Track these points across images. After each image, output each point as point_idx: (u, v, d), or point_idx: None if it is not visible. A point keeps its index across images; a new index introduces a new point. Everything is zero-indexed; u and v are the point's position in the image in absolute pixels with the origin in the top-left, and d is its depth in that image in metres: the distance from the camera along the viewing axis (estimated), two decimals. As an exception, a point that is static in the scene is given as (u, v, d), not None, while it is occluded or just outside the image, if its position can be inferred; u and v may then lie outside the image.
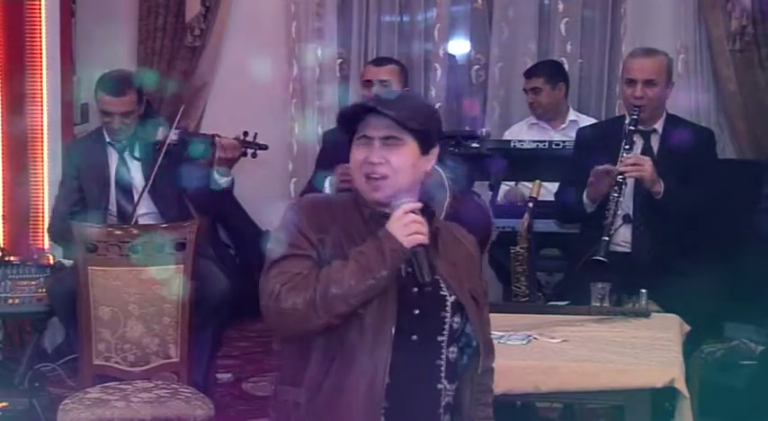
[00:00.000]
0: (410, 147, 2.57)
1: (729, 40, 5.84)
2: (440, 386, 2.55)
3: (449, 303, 2.56)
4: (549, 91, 5.59)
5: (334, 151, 4.79)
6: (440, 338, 2.55)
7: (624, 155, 4.25)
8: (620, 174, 4.19)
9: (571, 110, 5.72)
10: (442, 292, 2.57)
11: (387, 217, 2.54)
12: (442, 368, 2.55)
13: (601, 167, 4.21)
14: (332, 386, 2.49)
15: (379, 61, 5.07)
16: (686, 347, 3.60)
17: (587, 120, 5.55)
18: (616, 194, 4.19)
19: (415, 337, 2.52)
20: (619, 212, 4.23)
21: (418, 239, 2.48)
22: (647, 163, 4.22)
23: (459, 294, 2.58)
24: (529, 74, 5.70)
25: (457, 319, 2.57)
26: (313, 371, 2.51)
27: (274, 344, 2.68)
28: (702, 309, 4.06)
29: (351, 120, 2.61)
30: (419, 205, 2.53)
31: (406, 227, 2.47)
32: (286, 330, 2.52)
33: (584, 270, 4.05)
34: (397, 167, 2.55)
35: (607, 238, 4.13)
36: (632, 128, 4.32)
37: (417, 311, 2.53)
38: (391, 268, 2.46)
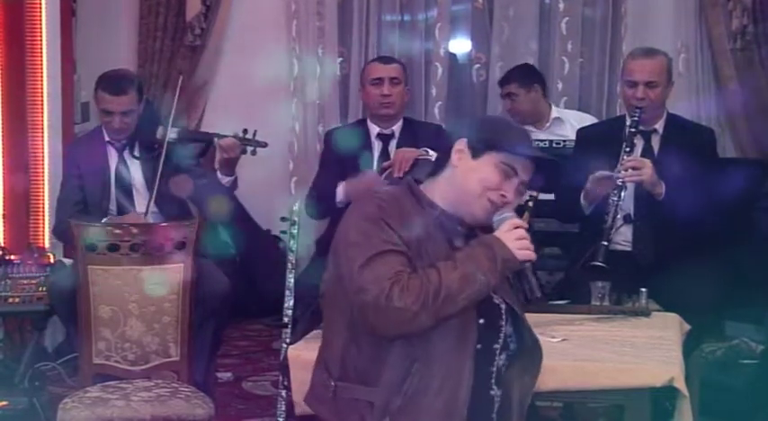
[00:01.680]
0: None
1: (730, 39, 5.83)
2: (492, 392, 2.58)
3: (503, 311, 2.58)
4: (524, 94, 5.60)
5: (336, 151, 4.79)
6: (495, 346, 2.58)
7: (624, 158, 4.23)
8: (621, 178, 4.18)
9: (554, 108, 5.72)
10: (495, 301, 2.59)
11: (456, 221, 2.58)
12: (494, 375, 2.58)
13: (599, 174, 4.20)
14: (415, 388, 2.49)
15: (386, 60, 5.04)
16: (686, 346, 3.60)
17: (573, 117, 5.57)
18: (615, 198, 4.17)
19: (479, 346, 2.54)
20: (618, 216, 4.21)
21: (530, 256, 2.52)
22: (647, 166, 4.20)
23: (510, 300, 2.62)
24: (502, 82, 5.73)
25: (509, 327, 2.60)
26: (392, 372, 2.51)
27: (328, 342, 2.66)
28: (703, 308, 4.06)
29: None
30: (525, 224, 2.56)
31: (518, 241, 2.51)
32: (389, 329, 2.47)
33: (582, 273, 4.05)
34: (510, 208, 2.61)
35: (606, 243, 4.12)
36: (633, 130, 4.30)
37: (482, 321, 2.55)
38: (501, 276, 2.49)
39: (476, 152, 2.59)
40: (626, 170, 4.17)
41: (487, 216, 2.57)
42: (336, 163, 4.75)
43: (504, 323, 2.57)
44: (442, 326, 2.48)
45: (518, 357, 2.67)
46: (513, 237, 2.50)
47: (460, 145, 2.62)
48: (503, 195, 2.55)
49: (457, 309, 2.44)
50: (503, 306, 2.58)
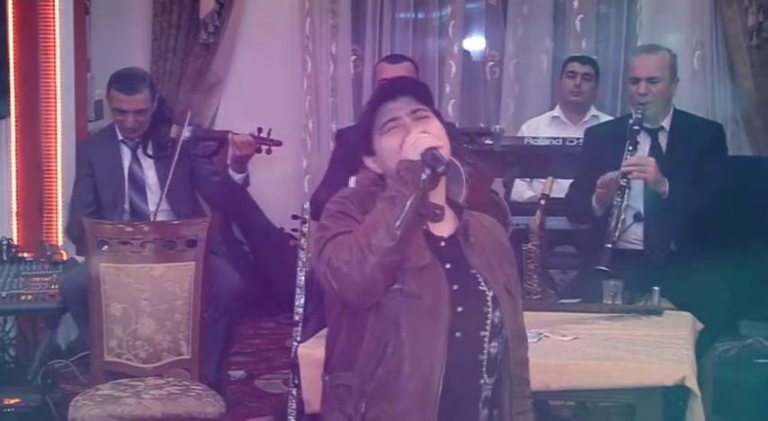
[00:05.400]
0: (435, 118, 2.59)
1: (746, 36, 5.79)
2: (481, 381, 2.55)
3: (489, 298, 2.56)
4: (594, 83, 5.68)
5: (349, 149, 4.77)
6: (482, 333, 2.54)
7: (627, 157, 4.23)
8: (624, 176, 4.17)
9: (592, 107, 5.73)
10: (480, 287, 2.56)
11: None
12: (484, 363, 2.55)
13: (608, 175, 4.20)
14: (387, 371, 2.49)
15: (394, 59, 4.99)
16: (700, 345, 3.58)
17: (606, 118, 5.54)
18: (619, 199, 4.17)
19: (458, 334, 2.51)
20: (622, 217, 4.20)
21: (423, 144, 2.48)
22: (650, 164, 4.20)
23: (495, 288, 2.58)
24: (584, 60, 5.75)
25: (498, 314, 2.56)
26: (365, 356, 2.51)
27: (327, 334, 2.67)
28: (717, 307, 4.04)
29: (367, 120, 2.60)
30: (421, 129, 2.53)
31: (411, 145, 2.49)
32: (350, 290, 2.47)
33: (591, 276, 4.04)
34: (438, 136, 2.55)
35: (610, 246, 4.10)
36: (636, 128, 4.30)
37: (460, 309, 2.53)
38: (412, 182, 2.45)
39: (369, 153, 2.63)
40: (627, 168, 4.17)
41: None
42: (348, 162, 4.72)
43: (490, 310, 2.56)
44: (413, 309, 2.48)
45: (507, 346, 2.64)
46: (410, 149, 2.49)
47: (365, 160, 2.66)
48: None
49: (395, 237, 2.41)
50: (489, 293, 2.57)
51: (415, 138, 2.51)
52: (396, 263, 2.46)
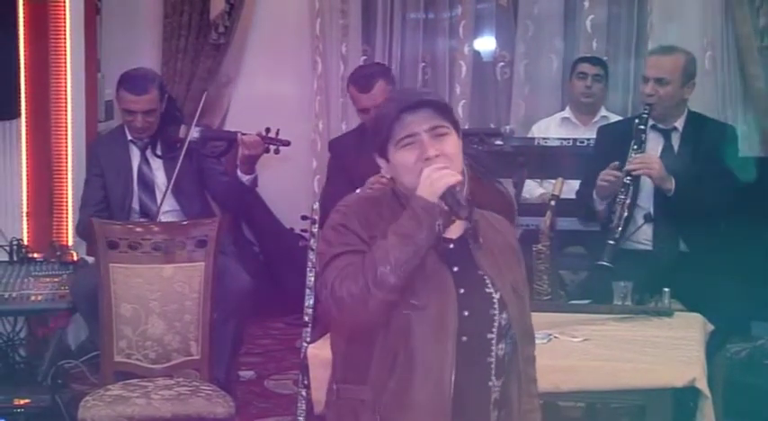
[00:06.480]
0: (453, 134, 2.56)
1: (757, 37, 5.77)
2: (490, 383, 2.55)
3: (495, 300, 2.55)
4: (604, 84, 5.67)
5: (343, 159, 4.74)
6: (489, 336, 2.54)
7: (633, 155, 4.23)
8: (628, 173, 4.17)
9: (602, 107, 5.72)
10: (487, 290, 2.56)
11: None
12: (492, 365, 2.54)
13: (609, 170, 4.20)
14: (398, 383, 2.49)
15: (366, 87, 4.68)
16: (711, 347, 3.57)
17: (616, 119, 5.53)
18: (623, 196, 4.18)
19: (465, 338, 2.51)
20: (625, 214, 4.19)
21: (443, 185, 2.45)
22: (655, 161, 4.22)
23: (502, 289, 2.57)
24: (594, 61, 5.74)
25: (504, 316, 2.55)
26: (376, 369, 2.51)
27: (331, 344, 2.67)
28: (728, 308, 4.03)
29: (383, 128, 2.57)
30: (441, 165, 2.48)
31: (431, 182, 2.45)
32: (349, 319, 2.49)
33: (601, 277, 4.04)
34: (452, 155, 2.52)
35: (613, 242, 4.10)
36: (641, 127, 4.31)
37: (467, 312, 2.52)
38: (428, 226, 2.43)
39: (382, 156, 2.60)
40: (633, 165, 4.18)
41: None
42: (344, 172, 4.67)
43: (496, 312, 2.55)
44: (420, 319, 2.47)
45: (515, 346, 2.64)
46: (426, 184, 2.45)
47: (377, 160, 2.63)
48: (426, 158, 2.51)
49: (400, 276, 2.41)
50: (496, 295, 2.56)
51: (432, 173, 2.46)
52: (400, 298, 2.45)
